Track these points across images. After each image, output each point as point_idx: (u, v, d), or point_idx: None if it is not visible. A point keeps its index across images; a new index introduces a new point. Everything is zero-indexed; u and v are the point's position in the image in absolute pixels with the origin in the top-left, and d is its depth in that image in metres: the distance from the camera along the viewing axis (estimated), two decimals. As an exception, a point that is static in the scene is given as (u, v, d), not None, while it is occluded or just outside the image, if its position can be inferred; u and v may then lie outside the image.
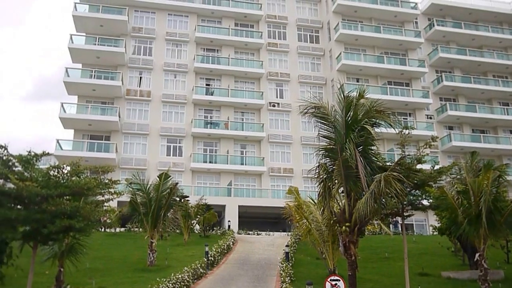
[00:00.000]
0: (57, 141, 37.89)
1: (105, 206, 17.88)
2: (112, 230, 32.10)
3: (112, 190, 16.87)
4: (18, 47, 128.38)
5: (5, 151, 14.83)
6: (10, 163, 14.98)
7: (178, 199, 26.23)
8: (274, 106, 44.32)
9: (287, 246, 22.60)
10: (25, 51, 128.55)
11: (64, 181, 15.36)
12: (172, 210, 24.26)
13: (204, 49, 45.41)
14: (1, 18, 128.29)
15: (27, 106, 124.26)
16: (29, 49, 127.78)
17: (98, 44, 41.59)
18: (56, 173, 15.50)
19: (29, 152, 15.19)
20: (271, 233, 34.61)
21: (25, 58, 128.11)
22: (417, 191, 17.41)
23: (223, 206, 37.81)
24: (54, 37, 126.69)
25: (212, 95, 43.10)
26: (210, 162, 41.26)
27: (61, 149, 37.63)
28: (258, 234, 34.00)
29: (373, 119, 14.10)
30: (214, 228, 34.06)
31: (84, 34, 42.65)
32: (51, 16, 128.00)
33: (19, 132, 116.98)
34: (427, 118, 46.36)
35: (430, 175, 16.80)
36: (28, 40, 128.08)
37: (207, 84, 44.30)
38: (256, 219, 39.18)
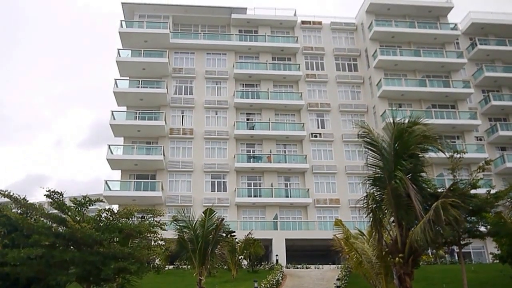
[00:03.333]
0: (105, 182, 38.95)
1: (154, 249, 18.15)
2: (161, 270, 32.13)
3: (159, 236, 17.13)
4: (76, 97, 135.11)
5: (61, 196, 15.47)
6: (65, 207, 15.61)
7: (224, 234, 26.06)
8: (316, 136, 44.04)
9: (338, 279, 21.93)
10: (84, 100, 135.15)
11: (115, 222, 15.69)
12: (219, 246, 24.09)
13: (243, 84, 46.02)
14: (60, 72, 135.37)
15: (86, 151, 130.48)
16: (87, 97, 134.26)
17: (141, 87, 42.87)
18: (107, 216, 15.89)
19: (85, 197, 15.72)
20: (320, 266, 33.71)
21: (84, 107, 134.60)
22: (473, 217, 16.59)
23: (270, 240, 37.30)
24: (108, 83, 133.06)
25: (253, 129, 43.35)
26: (254, 196, 41.11)
27: (110, 189, 38.61)
28: (307, 268, 33.19)
29: (422, 145, 13.62)
30: (262, 263, 33.55)
31: (128, 77, 44.17)
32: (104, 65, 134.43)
33: (77, 175, 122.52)
34: (477, 139, 44.76)
35: (487, 200, 16.01)
36: (85, 89, 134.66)
37: (247, 119, 44.66)
38: (304, 252, 38.39)
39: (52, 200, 15.53)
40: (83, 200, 15.78)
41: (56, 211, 15.84)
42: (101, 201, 16.95)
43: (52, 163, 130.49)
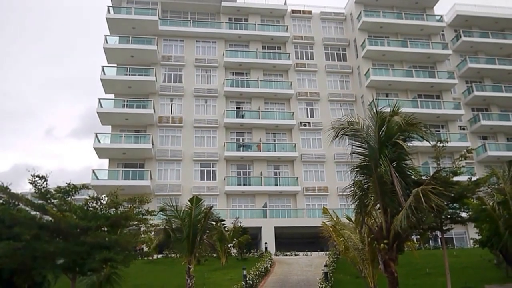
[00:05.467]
0: (93, 171, 38.47)
1: (142, 236, 18.04)
2: (150, 257, 32.30)
3: (149, 223, 16.98)
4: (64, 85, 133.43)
5: (45, 182, 15.10)
6: (48, 195, 15.27)
7: (214, 223, 26.27)
8: (305, 125, 44.42)
9: (325, 266, 22.35)
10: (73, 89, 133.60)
11: (102, 212, 15.56)
12: (207, 234, 24.21)
13: (233, 73, 46.09)
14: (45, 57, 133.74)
15: (77, 140, 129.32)
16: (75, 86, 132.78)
17: (129, 74, 42.48)
18: (94, 204, 15.69)
19: (69, 184, 15.50)
20: (309, 253, 34.29)
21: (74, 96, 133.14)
22: (455, 204, 17.07)
23: (259, 228, 37.72)
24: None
25: (243, 118, 43.53)
26: (244, 184, 41.39)
27: (97, 178, 38.11)
28: (295, 255, 33.73)
29: (406, 133, 13.99)
30: (251, 251, 33.95)
31: (116, 65, 43.73)
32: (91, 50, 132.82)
33: (68, 165, 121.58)
34: (460, 129, 45.74)
35: (467, 187, 16.47)
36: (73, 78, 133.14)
37: (237, 107, 44.80)
38: (293, 240, 38.88)
39: (35, 188, 15.02)
40: (67, 188, 15.45)
41: (41, 201, 15.30)
42: (87, 187, 16.58)
43: (41, 153, 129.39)
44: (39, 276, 15.11)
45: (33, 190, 15.51)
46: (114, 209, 16.08)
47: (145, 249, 31.64)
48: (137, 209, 16.75)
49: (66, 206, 15.25)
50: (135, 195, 17.61)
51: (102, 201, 16.05)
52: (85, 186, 16.14)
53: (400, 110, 13.91)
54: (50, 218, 14.69)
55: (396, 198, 12.91)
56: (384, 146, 13.52)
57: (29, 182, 15.10)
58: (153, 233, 30.11)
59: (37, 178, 14.99)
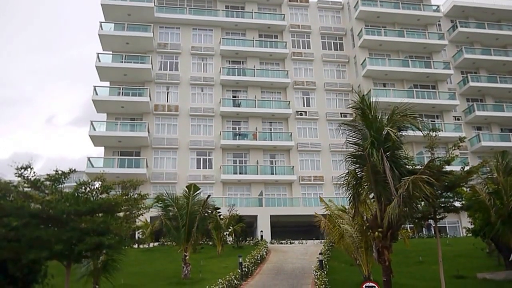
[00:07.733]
0: (88, 159, 38.27)
1: (137, 221, 17.98)
2: (146, 246, 32.50)
3: (141, 205, 16.95)
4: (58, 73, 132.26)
5: (31, 171, 14.91)
6: (39, 184, 15.13)
7: (210, 211, 26.43)
8: (301, 114, 44.48)
9: (320, 254, 22.60)
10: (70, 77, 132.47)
11: (93, 198, 15.49)
12: (204, 223, 24.28)
13: (229, 61, 45.93)
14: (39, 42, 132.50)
15: (78, 128, 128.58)
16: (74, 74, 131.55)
17: (124, 62, 42.21)
18: (84, 190, 15.59)
19: (56, 171, 15.38)
20: (304, 241, 34.55)
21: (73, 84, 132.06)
22: (448, 193, 17.26)
23: (255, 217, 37.92)
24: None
25: (239, 106, 43.46)
26: (240, 173, 41.51)
27: (92, 166, 37.89)
28: (291, 243, 34.01)
29: (398, 123, 14.09)
30: (247, 239, 34.17)
31: (111, 52, 43.36)
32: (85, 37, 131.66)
33: (68, 153, 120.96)
34: (455, 119, 46.05)
35: (460, 176, 16.64)
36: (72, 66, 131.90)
37: (234, 96, 44.72)
38: (288, 228, 39.11)
39: (23, 178, 14.90)
40: (56, 175, 15.31)
41: (33, 190, 15.20)
42: (75, 171, 16.31)
43: (42, 141, 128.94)
44: (29, 263, 14.90)
45: (29, 179, 15.32)
46: (106, 194, 16.03)
47: (140, 236, 31.85)
48: (129, 194, 16.65)
49: (58, 193, 15.14)
50: (126, 180, 17.50)
51: (92, 186, 15.97)
52: (71, 171, 15.89)
53: (391, 99, 14.01)
54: (40, 206, 14.62)
55: (389, 187, 13.06)
56: (377, 135, 13.65)
57: (15, 176, 14.92)
58: (149, 219, 30.39)
59: (22, 170, 14.78)
